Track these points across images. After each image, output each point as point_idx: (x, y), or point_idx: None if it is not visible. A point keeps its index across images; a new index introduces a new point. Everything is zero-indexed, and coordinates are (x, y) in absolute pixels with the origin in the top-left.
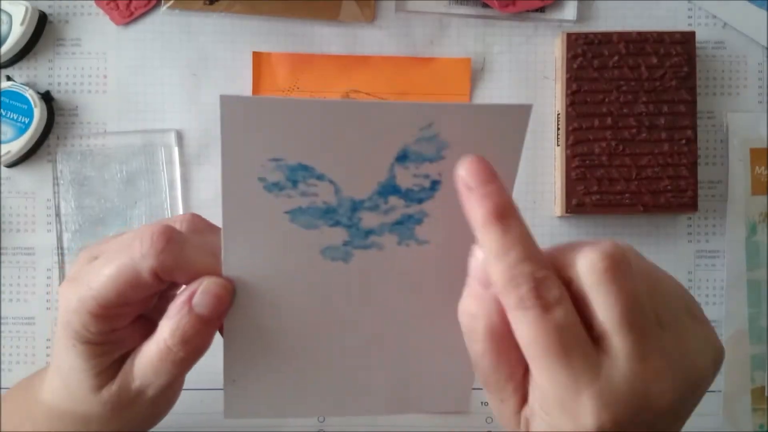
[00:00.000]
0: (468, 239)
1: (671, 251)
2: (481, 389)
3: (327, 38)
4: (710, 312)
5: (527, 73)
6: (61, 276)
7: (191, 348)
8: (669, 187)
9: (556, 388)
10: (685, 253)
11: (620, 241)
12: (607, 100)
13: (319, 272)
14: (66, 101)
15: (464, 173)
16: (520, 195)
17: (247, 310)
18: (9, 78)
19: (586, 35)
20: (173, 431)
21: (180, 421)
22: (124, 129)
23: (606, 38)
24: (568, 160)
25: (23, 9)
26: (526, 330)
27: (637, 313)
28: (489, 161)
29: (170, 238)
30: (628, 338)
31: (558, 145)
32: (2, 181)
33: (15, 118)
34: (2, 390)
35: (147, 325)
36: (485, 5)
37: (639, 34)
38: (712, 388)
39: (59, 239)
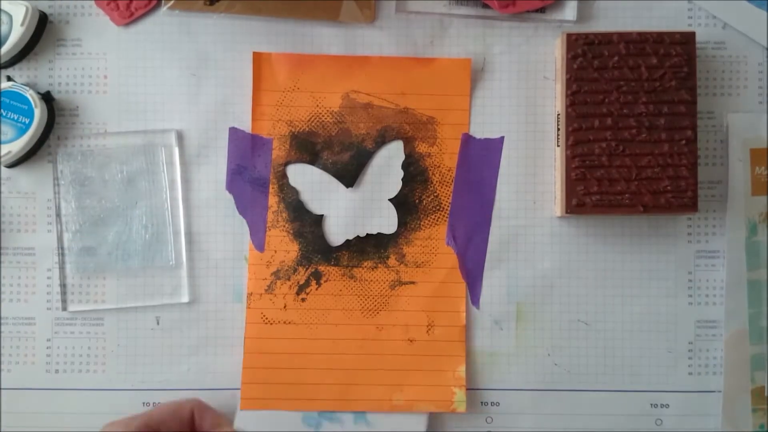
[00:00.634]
0: None
1: (671, 251)
2: (480, 389)
3: (327, 38)
4: (710, 312)
5: (527, 74)
6: (62, 276)
7: None
8: (669, 188)
9: None
10: (685, 253)
11: None
12: (607, 100)
13: None
14: (66, 101)
15: None
16: (520, 195)
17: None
18: (9, 78)
19: (586, 35)
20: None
21: None
22: (125, 129)
23: (606, 38)
24: (568, 160)
25: (24, 9)
26: None
27: None
28: None
29: None
30: None
31: (558, 146)
32: (3, 182)
33: (15, 118)
34: (2, 390)
35: None
36: (485, 6)
37: (639, 34)
38: (711, 388)
39: (59, 239)
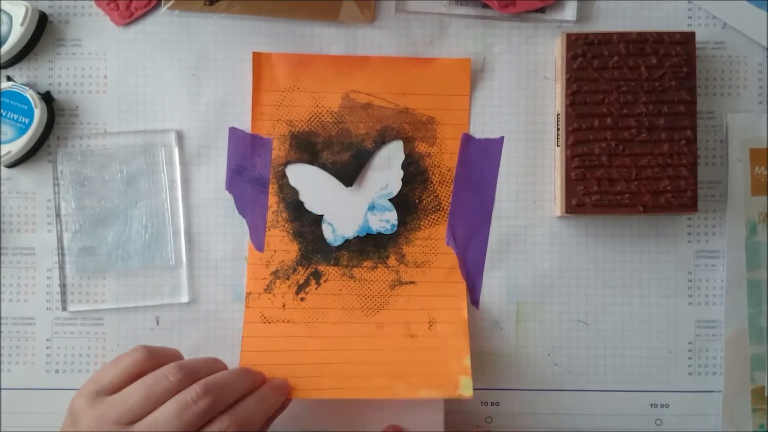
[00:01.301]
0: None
1: (671, 251)
2: (480, 389)
3: (327, 38)
4: (710, 312)
5: (527, 74)
6: (62, 276)
7: None
8: (669, 188)
9: None
10: (685, 253)
11: None
12: (607, 100)
13: None
14: (66, 101)
15: None
16: (520, 195)
17: None
18: (9, 78)
19: (586, 35)
20: None
21: None
22: (125, 129)
23: (606, 38)
24: (568, 160)
25: (23, 9)
26: None
27: None
28: None
29: None
30: None
31: (558, 146)
32: (2, 182)
33: (15, 118)
34: (2, 390)
35: None
36: (485, 6)
37: (639, 34)
38: (711, 388)
39: (59, 239)
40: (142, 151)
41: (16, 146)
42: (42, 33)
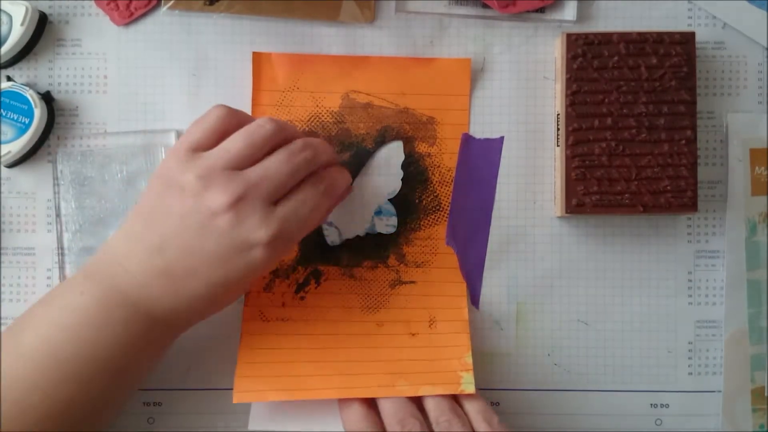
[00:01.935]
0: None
1: (671, 251)
2: (480, 389)
3: (327, 38)
4: (710, 312)
5: (527, 74)
6: (62, 276)
7: None
8: (669, 188)
9: None
10: (685, 253)
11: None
12: (607, 100)
13: None
14: (66, 101)
15: None
16: (519, 195)
17: None
18: (9, 78)
19: (586, 36)
20: (173, 431)
21: (180, 421)
22: (125, 129)
23: (606, 38)
24: (568, 160)
25: (23, 9)
26: None
27: None
28: None
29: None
30: None
31: (558, 146)
32: (2, 182)
33: (15, 118)
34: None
35: None
36: (485, 5)
37: (639, 34)
38: (711, 388)
39: (59, 239)
40: (142, 151)
41: (16, 146)
42: (42, 33)
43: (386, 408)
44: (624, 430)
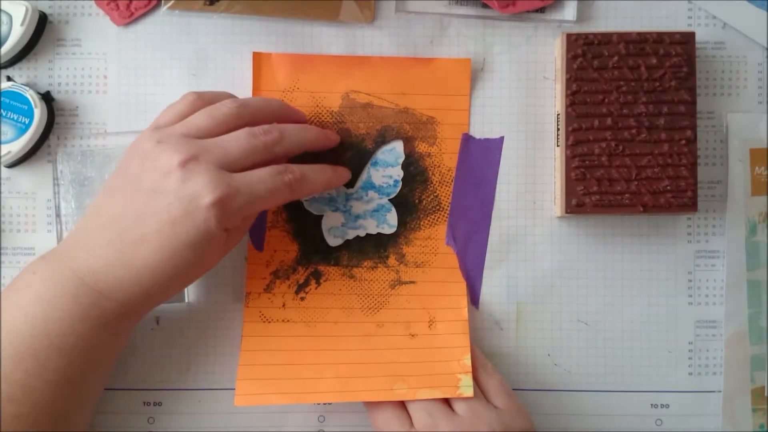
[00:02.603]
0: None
1: (671, 251)
2: None
3: (327, 38)
4: (710, 312)
5: (527, 74)
6: None
7: None
8: (669, 188)
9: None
10: (685, 253)
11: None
12: (607, 100)
13: None
14: (66, 101)
15: None
16: (520, 195)
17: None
18: (9, 78)
19: (586, 35)
20: (173, 431)
21: (180, 421)
22: (125, 129)
23: (606, 38)
24: (568, 160)
25: (23, 9)
26: None
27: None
28: None
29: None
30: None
31: (558, 146)
32: (2, 182)
33: (15, 118)
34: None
35: None
36: (485, 5)
37: (639, 34)
38: (711, 388)
39: (59, 239)
40: None
41: (16, 146)
42: (42, 33)
43: (415, 405)
44: (624, 430)
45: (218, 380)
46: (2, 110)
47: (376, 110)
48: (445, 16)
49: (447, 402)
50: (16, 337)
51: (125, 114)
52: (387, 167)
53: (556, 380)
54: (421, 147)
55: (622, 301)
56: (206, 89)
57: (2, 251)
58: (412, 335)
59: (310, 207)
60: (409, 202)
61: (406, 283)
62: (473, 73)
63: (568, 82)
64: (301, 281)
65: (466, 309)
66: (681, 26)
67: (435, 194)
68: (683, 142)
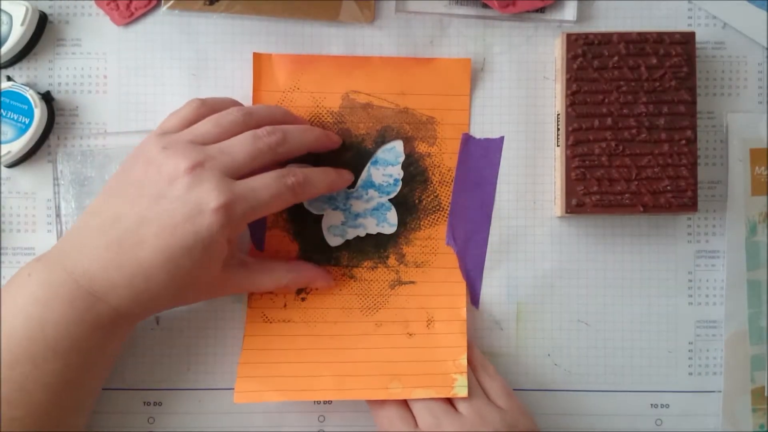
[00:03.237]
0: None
1: (671, 251)
2: None
3: (327, 38)
4: (710, 312)
5: (527, 74)
6: None
7: None
8: (669, 187)
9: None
10: (685, 253)
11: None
12: (607, 100)
13: None
14: (66, 101)
15: None
16: (520, 195)
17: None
18: (9, 78)
19: (586, 35)
20: (173, 431)
21: (180, 421)
22: (125, 129)
23: (606, 38)
24: (568, 160)
25: (23, 9)
26: None
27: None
28: None
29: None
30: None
31: (558, 146)
32: (2, 182)
33: (15, 118)
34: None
35: None
36: (485, 5)
37: (639, 34)
38: (711, 388)
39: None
40: None
41: (16, 146)
42: (42, 33)
43: (419, 405)
44: (624, 430)
45: (218, 380)
46: (2, 110)
47: (376, 110)
48: (445, 16)
49: (450, 402)
50: (12, 340)
51: (125, 114)
52: (387, 166)
53: (556, 380)
54: (421, 147)
55: (622, 301)
56: (206, 89)
57: (2, 251)
58: (410, 334)
59: (310, 206)
60: (409, 202)
61: (405, 283)
62: (473, 73)
63: (568, 82)
64: None
65: (465, 309)
66: (681, 26)
67: (435, 194)
68: (683, 142)
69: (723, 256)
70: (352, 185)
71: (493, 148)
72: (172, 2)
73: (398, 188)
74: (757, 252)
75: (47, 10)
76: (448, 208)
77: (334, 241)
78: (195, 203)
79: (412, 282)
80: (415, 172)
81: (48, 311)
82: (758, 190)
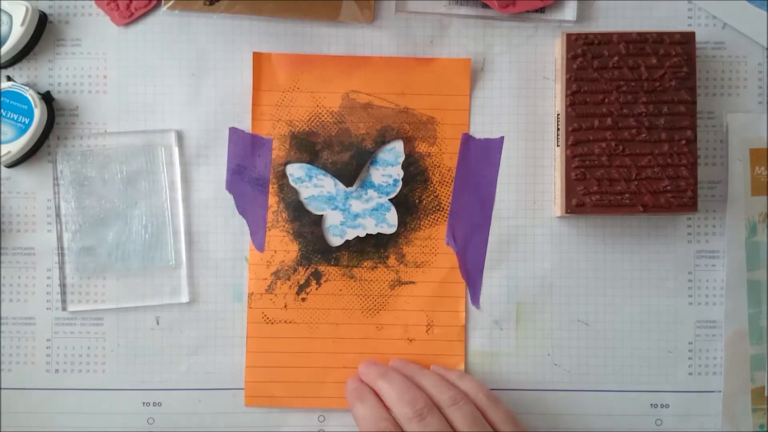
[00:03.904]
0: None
1: (671, 251)
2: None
3: (327, 38)
4: (710, 312)
5: (527, 74)
6: (62, 276)
7: None
8: (669, 187)
9: None
10: (685, 253)
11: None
12: (607, 100)
13: None
14: (66, 101)
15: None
16: (520, 195)
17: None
18: (9, 78)
19: (586, 36)
20: (172, 431)
21: (180, 420)
22: (124, 129)
23: (606, 38)
24: (568, 160)
25: (23, 9)
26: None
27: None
28: None
29: None
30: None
31: (558, 146)
32: (2, 182)
33: (15, 118)
34: (2, 390)
35: None
36: (485, 5)
37: (639, 34)
38: (711, 388)
39: (59, 239)
40: (142, 151)
41: (16, 146)
42: (42, 33)
43: (390, 396)
44: (624, 430)
45: (218, 380)
46: (2, 110)
47: (376, 110)
48: (445, 16)
49: None
50: None
51: (125, 114)
52: (387, 166)
53: (556, 380)
54: (421, 147)
55: (622, 301)
56: (206, 89)
57: (2, 251)
58: (410, 340)
59: (310, 205)
60: (409, 202)
61: (405, 283)
62: (473, 73)
63: (568, 82)
64: (301, 282)
65: (464, 313)
66: (681, 26)
67: (435, 194)
68: (683, 142)
69: (723, 256)
70: (351, 184)
71: (493, 148)
72: (172, 2)
73: (398, 188)
74: (757, 252)
75: (47, 10)
76: (448, 208)
77: (334, 241)
78: None
79: (412, 282)
80: (415, 172)
81: None
82: (758, 190)
